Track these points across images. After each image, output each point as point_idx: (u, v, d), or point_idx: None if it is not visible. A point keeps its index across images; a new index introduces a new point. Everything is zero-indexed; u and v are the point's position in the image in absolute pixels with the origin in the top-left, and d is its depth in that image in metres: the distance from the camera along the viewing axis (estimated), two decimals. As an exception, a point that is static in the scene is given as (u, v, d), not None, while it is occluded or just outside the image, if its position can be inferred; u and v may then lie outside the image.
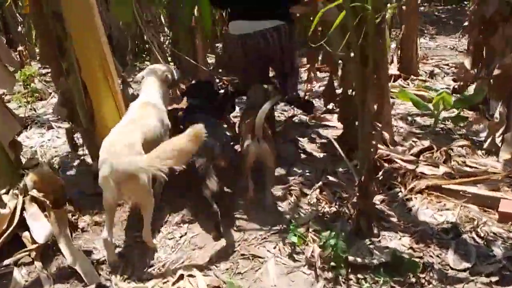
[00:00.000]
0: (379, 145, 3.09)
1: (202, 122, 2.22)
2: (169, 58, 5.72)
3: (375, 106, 3.14)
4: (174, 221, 2.61)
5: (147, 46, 7.10)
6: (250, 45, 3.02)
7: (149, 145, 2.41)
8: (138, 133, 2.33)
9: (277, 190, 2.87)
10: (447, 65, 5.88)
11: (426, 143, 3.30)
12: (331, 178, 2.96)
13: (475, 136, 3.48)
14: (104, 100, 2.54)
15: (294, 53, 3.28)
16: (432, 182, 2.65)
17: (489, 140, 2.84)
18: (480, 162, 2.96)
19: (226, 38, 3.38)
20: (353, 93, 3.15)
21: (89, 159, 3.29)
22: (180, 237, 2.45)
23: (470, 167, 2.92)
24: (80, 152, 3.53)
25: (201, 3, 4.22)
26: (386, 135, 3.19)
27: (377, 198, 2.65)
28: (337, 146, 2.58)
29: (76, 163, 3.53)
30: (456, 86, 4.33)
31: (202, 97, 3.04)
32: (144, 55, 7.47)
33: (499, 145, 2.99)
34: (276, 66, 3.20)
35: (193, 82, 3.58)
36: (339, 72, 3.35)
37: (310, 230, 2.31)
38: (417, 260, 2.09)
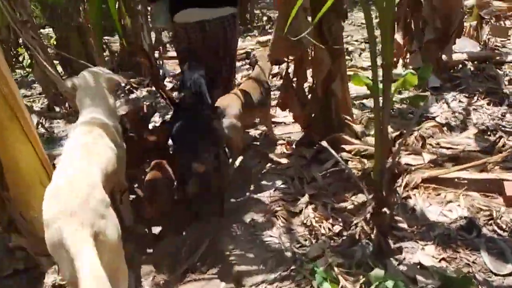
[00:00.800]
0: (349, 139, 2.79)
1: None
2: (56, 63, 4.70)
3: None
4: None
5: (17, 51, 5.79)
6: (210, 32, 2.77)
7: (109, 179, 1.78)
8: (95, 170, 1.65)
9: (258, 216, 2.38)
10: (356, 41, 5.88)
11: (389, 128, 3.10)
12: (312, 186, 2.56)
13: (428, 114, 3.39)
14: (18, 148, 1.72)
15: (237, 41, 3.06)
16: (428, 174, 2.42)
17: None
18: (452, 141, 2.84)
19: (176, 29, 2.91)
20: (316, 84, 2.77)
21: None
22: (169, 312, 1.82)
23: (446, 148, 2.78)
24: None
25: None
26: (355, 126, 2.88)
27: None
28: (330, 148, 2.15)
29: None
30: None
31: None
32: (13, 63, 6.10)
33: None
34: (225, 54, 2.89)
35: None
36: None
37: (334, 266, 1.87)
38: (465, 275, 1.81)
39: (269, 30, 7.50)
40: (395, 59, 4.06)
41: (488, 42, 4.51)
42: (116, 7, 4.48)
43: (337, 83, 2.71)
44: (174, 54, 6.33)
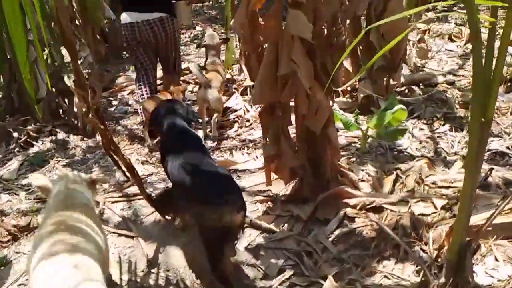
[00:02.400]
0: (352, 191, 2.37)
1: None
2: None
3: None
4: None
5: None
6: (143, 29, 3.65)
7: None
8: None
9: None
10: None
11: (372, 169, 2.77)
12: (326, 259, 2.06)
13: (396, 147, 3.15)
14: None
15: (177, 41, 3.90)
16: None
17: None
18: (447, 178, 2.61)
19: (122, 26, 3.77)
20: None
21: None
22: None
23: (445, 187, 2.53)
24: None
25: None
26: (351, 174, 2.47)
27: None
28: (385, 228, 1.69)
29: None
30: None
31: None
32: None
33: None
34: (161, 49, 3.80)
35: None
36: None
37: None
38: None
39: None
40: (345, 87, 3.81)
41: (417, 65, 4.59)
42: None
43: (332, 127, 2.28)
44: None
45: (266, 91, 2.08)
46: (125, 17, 3.69)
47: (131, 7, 3.66)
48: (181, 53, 6.42)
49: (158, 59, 3.89)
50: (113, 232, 2.42)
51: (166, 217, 2.46)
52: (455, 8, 7.57)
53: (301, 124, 2.28)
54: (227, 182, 1.87)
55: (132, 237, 2.39)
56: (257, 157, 3.13)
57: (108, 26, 6.84)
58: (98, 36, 6.23)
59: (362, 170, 2.75)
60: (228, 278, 1.80)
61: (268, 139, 2.26)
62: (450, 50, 5.53)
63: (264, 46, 2.14)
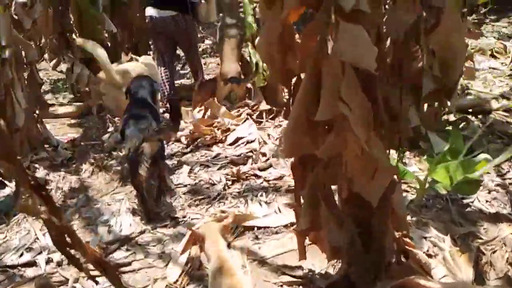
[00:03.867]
0: (426, 283, 1.64)
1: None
2: None
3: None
4: None
5: None
6: (159, 24, 4.11)
7: None
8: None
9: None
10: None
11: (435, 233, 2.06)
12: None
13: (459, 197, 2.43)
14: None
15: (191, 36, 4.26)
16: None
17: None
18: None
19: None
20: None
21: None
22: None
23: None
24: None
25: None
26: (420, 254, 1.76)
27: None
28: None
29: None
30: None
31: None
32: None
33: None
34: (180, 44, 4.38)
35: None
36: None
37: None
38: None
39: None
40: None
41: (465, 87, 3.89)
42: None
43: (398, 190, 1.58)
44: (61, 110, 4.77)
45: (301, 139, 1.41)
46: (147, 10, 4.16)
47: (150, 2, 4.10)
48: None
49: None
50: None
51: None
52: (486, 20, 6.93)
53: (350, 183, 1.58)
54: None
55: None
56: (279, 210, 2.44)
57: (109, 40, 6.28)
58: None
59: (425, 238, 2.04)
60: (139, 188, 2.53)
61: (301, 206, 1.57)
62: (495, 68, 4.85)
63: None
